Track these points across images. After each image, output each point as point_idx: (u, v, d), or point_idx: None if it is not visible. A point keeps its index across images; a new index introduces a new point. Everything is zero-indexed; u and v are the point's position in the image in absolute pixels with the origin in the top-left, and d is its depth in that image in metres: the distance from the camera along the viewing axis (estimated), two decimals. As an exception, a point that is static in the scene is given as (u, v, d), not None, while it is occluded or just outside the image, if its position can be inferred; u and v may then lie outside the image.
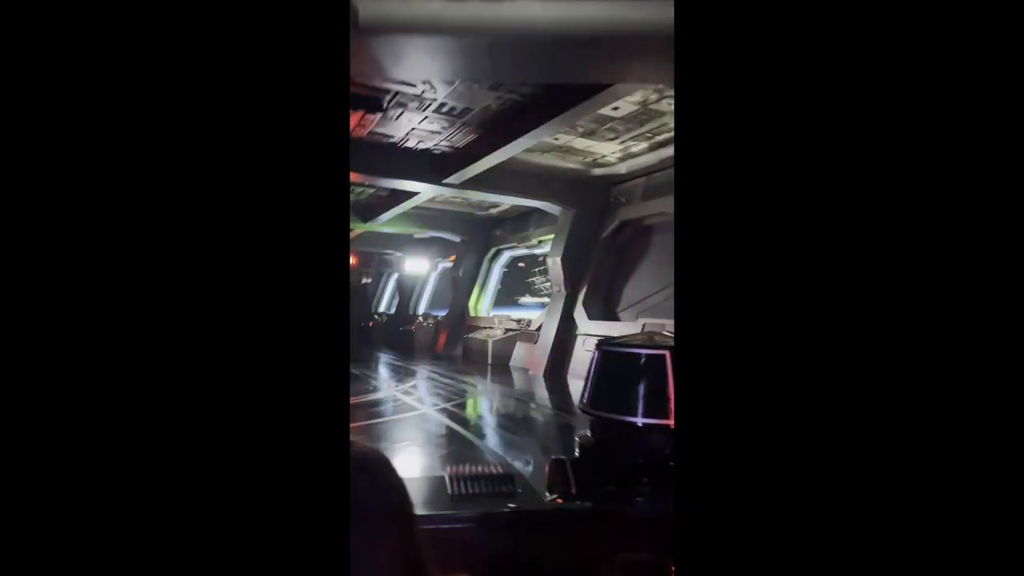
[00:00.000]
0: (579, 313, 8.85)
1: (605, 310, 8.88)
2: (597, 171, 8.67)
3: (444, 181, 7.72)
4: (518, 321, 10.90)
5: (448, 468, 1.29)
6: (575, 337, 8.82)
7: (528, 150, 7.96)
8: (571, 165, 8.48)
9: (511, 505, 1.21)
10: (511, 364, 10.03)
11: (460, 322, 12.41)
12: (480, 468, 1.30)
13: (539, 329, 9.66)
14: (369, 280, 14.98)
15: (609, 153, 8.11)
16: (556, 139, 7.55)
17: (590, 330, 8.50)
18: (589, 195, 8.98)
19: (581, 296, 8.93)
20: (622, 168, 8.49)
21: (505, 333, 10.73)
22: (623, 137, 7.38)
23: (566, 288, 9.12)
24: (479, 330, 11.44)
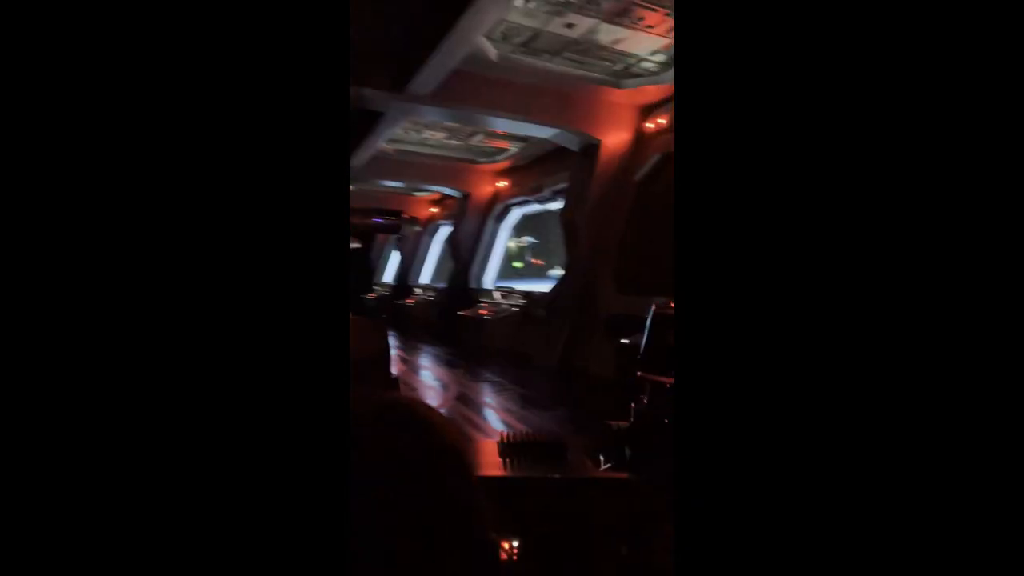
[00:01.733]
0: (603, 284, 6.43)
1: (640, 279, 6.42)
2: (629, 83, 6.12)
3: (410, 87, 5.31)
4: (527, 295, 8.56)
5: (501, 433, 1.27)
6: (599, 318, 6.41)
7: (531, 50, 5.48)
8: (591, 74, 5.97)
9: (556, 475, 1.16)
10: (515, 349, 7.72)
11: (462, 296, 10.15)
12: (532, 434, 1.27)
13: (550, 305, 7.28)
14: (360, 245, 12.92)
15: (647, 53, 5.58)
16: (570, 26, 5.08)
17: (619, 308, 6.10)
18: (617, 119, 6.46)
19: (606, 261, 6.49)
20: (667, 76, 5.93)
21: (509, 310, 8.41)
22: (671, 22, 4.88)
23: (584, 250, 6.69)
24: (477, 306, 9.15)
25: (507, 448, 1.22)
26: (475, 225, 10.38)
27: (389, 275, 16.08)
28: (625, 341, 5.15)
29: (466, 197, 10.41)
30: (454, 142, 9.27)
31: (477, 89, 5.59)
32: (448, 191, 10.62)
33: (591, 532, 1.09)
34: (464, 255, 10.41)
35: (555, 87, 5.98)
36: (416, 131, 8.67)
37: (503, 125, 6.51)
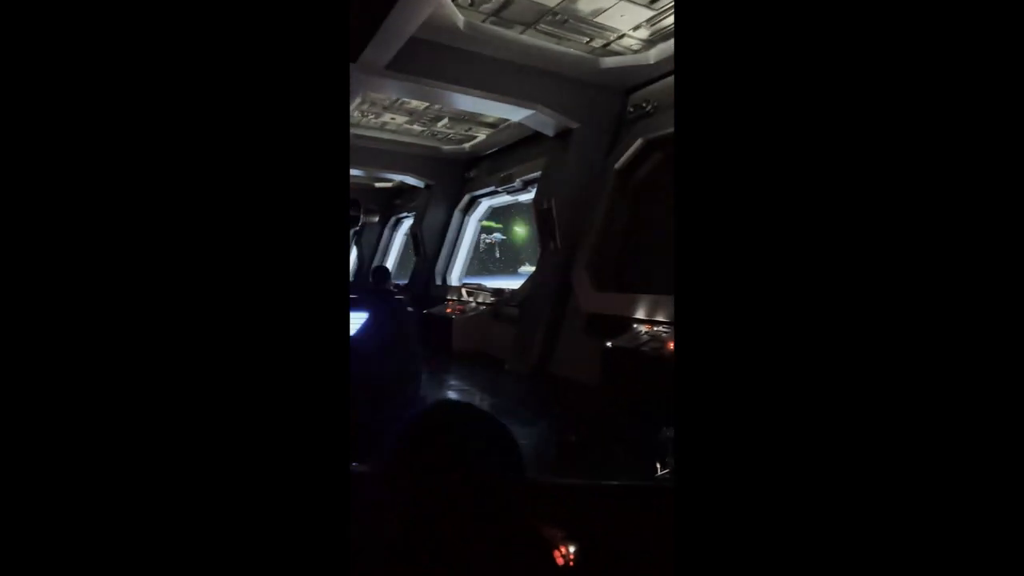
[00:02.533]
0: (580, 281, 5.91)
1: (621, 276, 5.93)
2: (609, 62, 5.61)
3: (363, 57, 4.62)
4: (497, 292, 7.99)
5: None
6: (577, 315, 5.89)
7: (506, 21, 4.89)
8: (569, 51, 5.42)
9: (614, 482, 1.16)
10: (485, 352, 7.14)
11: (424, 293, 9.48)
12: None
13: (523, 304, 6.73)
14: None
15: (630, 30, 5.08)
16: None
17: (598, 307, 5.59)
18: (596, 100, 5.94)
19: (583, 256, 5.98)
20: (649, 56, 5.45)
21: (477, 308, 7.82)
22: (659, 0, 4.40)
23: (560, 243, 6.16)
24: (443, 304, 8.51)
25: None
26: (440, 218, 9.72)
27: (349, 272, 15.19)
28: (610, 344, 4.69)
29: (429, 187, 9.74)
30: (417, 127, 8.57)
31: (440, 61, 4.95)
32: (411, 180, 9.91)
33: (652, 539, 1.03)
34: (428, 250, 9.74)
35: (528, 63, 5.40)
36: (375, 115, 7.94)
37: (468, 104, 5.86)
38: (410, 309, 4.41)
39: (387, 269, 3.75)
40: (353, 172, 10.21)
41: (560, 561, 0.70)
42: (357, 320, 3.16)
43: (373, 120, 8.20)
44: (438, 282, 9.56)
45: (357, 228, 11.37)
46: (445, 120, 8.21)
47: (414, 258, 10.26)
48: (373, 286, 3.84)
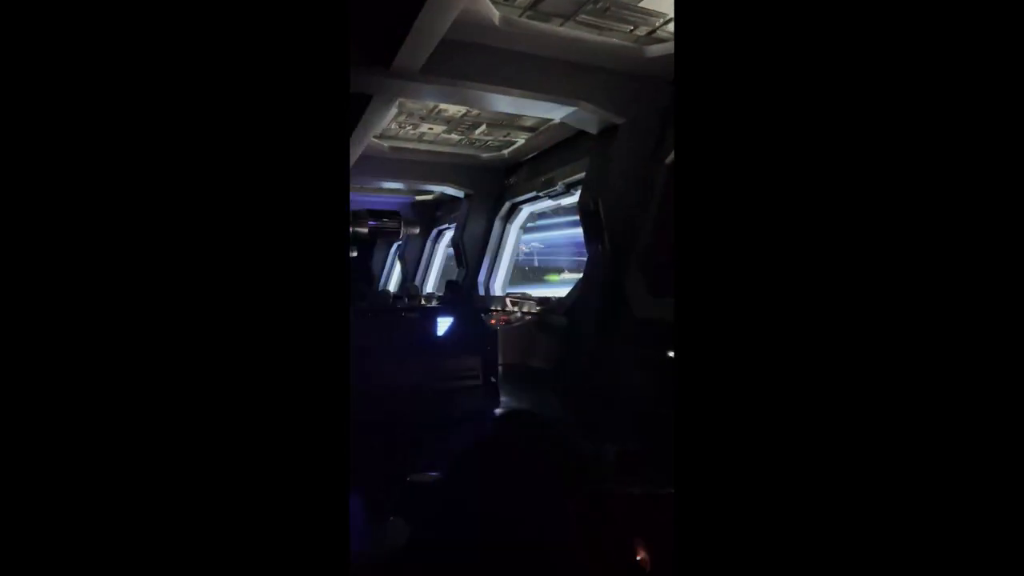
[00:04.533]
0: (634, 286, 5.52)
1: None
2: (655, 50, 5.24)
3: (397, 61, 4.45)
4: (543, 301, 7.67)
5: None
6: (631, 323, 5.49)
7: (544, 15, 4.62)
8: (611, 41, 5.09)
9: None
10: (531, 364, 6.82)
11: (472, 303, 9.27)
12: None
13: (570, 312, 6.38)
14: (355, 253, 12.20)
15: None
16: (586, -22, 4.22)
17: (655, 313, 5.18)
18: (642, 92, 5.57)
19: (636, 258, 5.59)
20: (700, 39, 5.03)
21: (522, 318, 7.52)
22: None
23: (609, 246, 5.79)
24: (487, 315, 8.25)
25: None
26: (481, 227, 9.51)
27: (393, 285, 15.23)
28: (672, 354, 4.31)
29: (469, 197, 9.56)
30: (454, 136, 8.42)
31: (476, 61, 4.73)
32: (450, 191, 9.78)
33: None
34: (470, 260, 9.55)
35: (569, 57, 5.10)
36: (412, 125, 7.84)
37: (506, 105, 5.60)
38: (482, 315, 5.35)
39: (457, 282, 4.82)
40: (393, 185, 10.17)
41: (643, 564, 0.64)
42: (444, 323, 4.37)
43: (411, 131, 8.10)
44: (481, 292, 9.34)
45: (400, 241, 11.33)
46: (483, 127, 8.01)
47: (458, 270, 10.10)
48: (450, 296, 4.69)
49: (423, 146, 8.68)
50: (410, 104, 6.77)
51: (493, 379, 4.91)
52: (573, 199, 8.14)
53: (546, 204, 8.97)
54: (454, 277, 10.15)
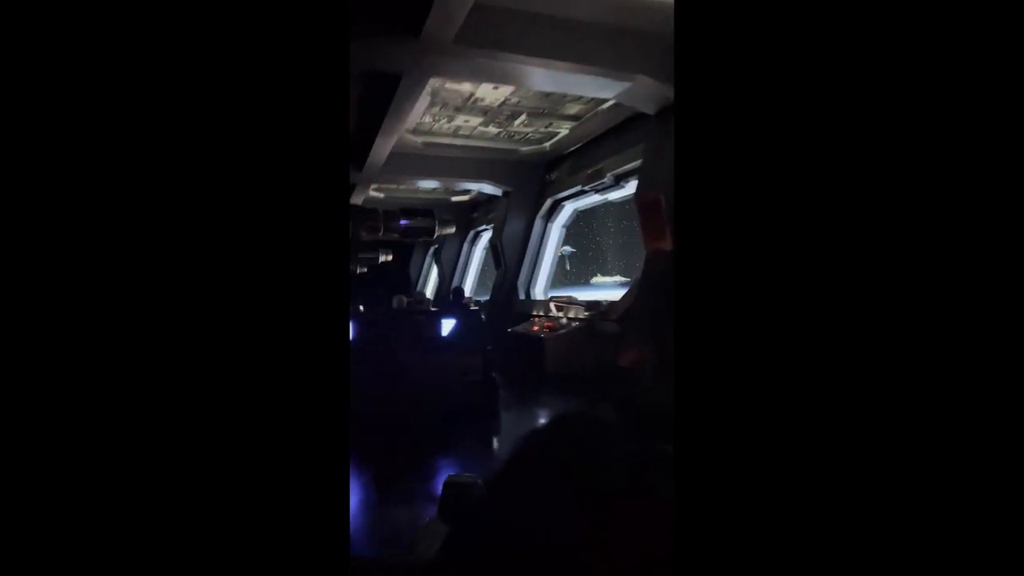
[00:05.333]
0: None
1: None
2: None
3: (426, 31, 3.84)
4: (592, 305, 6.94)
5: None
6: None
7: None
8: None
9: None
10: (582, 375, 6.09)
11: (506, 310, 8.64)
12: None
13: (626, 318, 5.62)
14: (390, 258, 11.76)
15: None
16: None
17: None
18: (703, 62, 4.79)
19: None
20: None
21: (568, 324, 6.80)
22: None
23: (673, 242, 5.03)
24: (529, 321, 7.58)
25: None
26: (520, 226, 8.87)
27: (429, 291, 14.74)
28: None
29: (507, 195, 8.94)
30: (492, 129, 7.83)
31: (517, 28, 4.08)
32: (487, 188, 9.17)
33: None
34: (509, 262, 8.91)
35: (625, 22, 4.38)
36: (447, 118, 7.30)
37: (552, 82, 4.92)
38: (483, 318, 5.94)
39: (462, 289, 5.02)
40: (428, 185, 9.68)
41: None
42: (447, 324, 5.15)
43: (445, 125, 7.56)
44: (521, 296, 8.69)
45: (434, 240, 10.81)
46: (523, 117, 7.38)
47: (496, 272, 9.48)
48: (453, 301, 5.58)
49: (459, 141, 8.11)
50: (444, 91, 6.22)
51: (493, 375, 5.32)
52: (623, 192, 7.40)
53: (592, 199, 8.25)
54: (494, 279, 9.55)
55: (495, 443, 4.63)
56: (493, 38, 4.10)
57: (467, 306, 6.59)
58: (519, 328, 7.38)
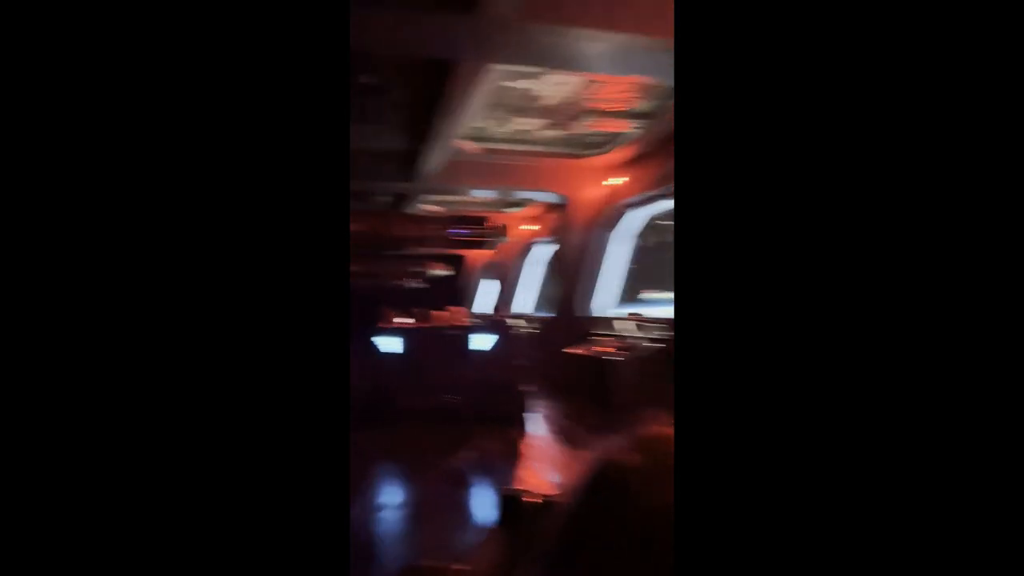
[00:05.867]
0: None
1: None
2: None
3: (484, 3, 3.30)
4: (669, 322, 6.14)
5: None
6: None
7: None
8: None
9: None
10: (663, 405, 5.28)
11: (568, 327, 7.94)
12: None
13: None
14: (450, 272, 11.40)
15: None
16: None
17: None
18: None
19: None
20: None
21: (640, 345, 6.01)
22: None
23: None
24: (592, 340, 6.85)
25: None
26: (583, 237, 8.19)
27: (486, 306, 14.24)
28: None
29: (567, 203, 8.30)
30: (551, 133, 7.26)
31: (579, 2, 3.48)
32: (546, 197, 8.56)
33: None
34: (569, 275, 8.23)
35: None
36: (504, 120, 6.80)
37: (621, 62, 4.25)
38: (513, 333, 6.58)
39: (496, 307, 5.68)
40: (483, 195, 9.20)
41: None
42: (488, 339, 5.94)
43: (502, 129, 7.07)
44: (584, 312, 7.97)
45: (490, 240, 10.27)
46: (586, 117, 6.77)
47: (555, 286, 8.81)
48: (486, 317, 6.51)
49: (517, 146, 7.58)
50: (503, 91, 5.72)
51: (522, 389, 5.79)
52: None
53: (663, 206, 7.47)
54: (555, 294, 8.87)
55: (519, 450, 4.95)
56: (563, 14, 3.51)
57: (499, 323, 7.19)
58: (578, 348, 6.66)
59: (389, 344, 5.92)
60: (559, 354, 6.71)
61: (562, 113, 6.54)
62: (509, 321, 8.34)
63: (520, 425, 5.52)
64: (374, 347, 5.89)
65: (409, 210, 8.68)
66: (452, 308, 7.17)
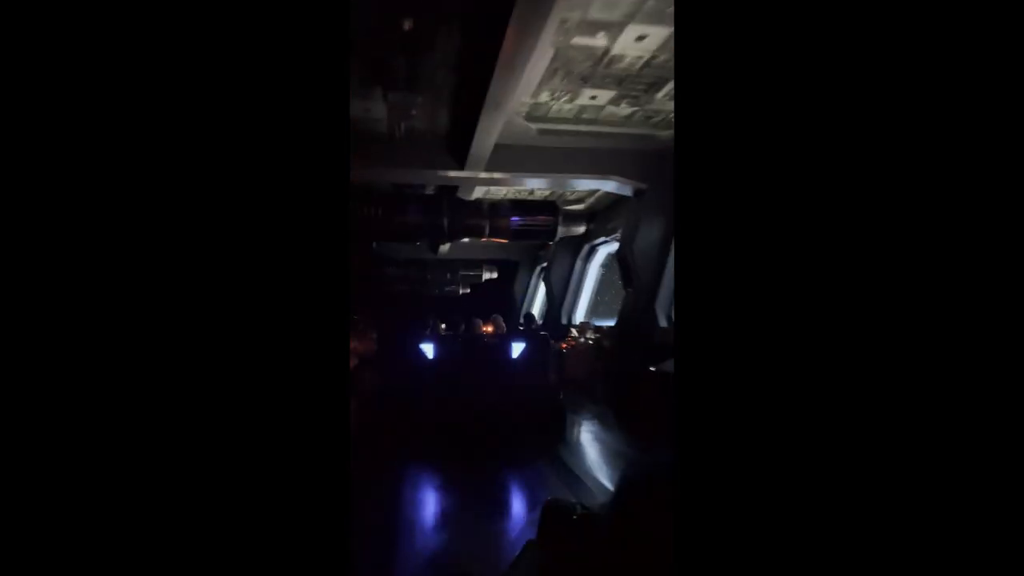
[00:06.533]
0: None
1: None
2: None
3: None
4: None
5: None
6: None
7: None
8: None
9: None
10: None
11: (640, 340, 6.72)
12: None
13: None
14: (494, 275, 10.42)
15: None
16: None
17: None
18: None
19: None
20: None
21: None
22: None
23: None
24: (662, 354, 5.59)
25: None
26: (657, 234, 6.97)
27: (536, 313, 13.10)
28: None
29: (640, 193, 7.10)
30: (624, 108, 6.10)
31: None
32: (615, 187, 7.37)
33: None
34: (642, 278, 7.01)
35: None
36: (570, 93, 5.71)
37: None
38: (552, 342, 6.78)
39: (533, 315, 8.32)
40: (537, 184, 8.12)
41: None
42: (518, 348, 6.33)
43: (566, 105, 5.97)
44: (662, 323, 6.72)
45: (553, 242, 9.11)
46: (667, 88, 5.58)
47: (625, 291, 7.59)
48: (525, 326, 7.70)
49: (583, 127, 6.46)
50: (570, 49, 4.63)
51: (561, 395, 6.30)
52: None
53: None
54: (622, 302, 7.68)
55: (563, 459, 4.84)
56: None
57: (536, 332, 7.38)
58: (666, 366, 5.43)
59: (432, 351, 6.31)
60: (638, 373, 5.50)
61: (640, 80, 5.38)
62: (574, 332, 7.46)
63: (561, 438, 5.70)
64: (421, 353, 6.26)
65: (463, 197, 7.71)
66: (495, 317, 7.29)
